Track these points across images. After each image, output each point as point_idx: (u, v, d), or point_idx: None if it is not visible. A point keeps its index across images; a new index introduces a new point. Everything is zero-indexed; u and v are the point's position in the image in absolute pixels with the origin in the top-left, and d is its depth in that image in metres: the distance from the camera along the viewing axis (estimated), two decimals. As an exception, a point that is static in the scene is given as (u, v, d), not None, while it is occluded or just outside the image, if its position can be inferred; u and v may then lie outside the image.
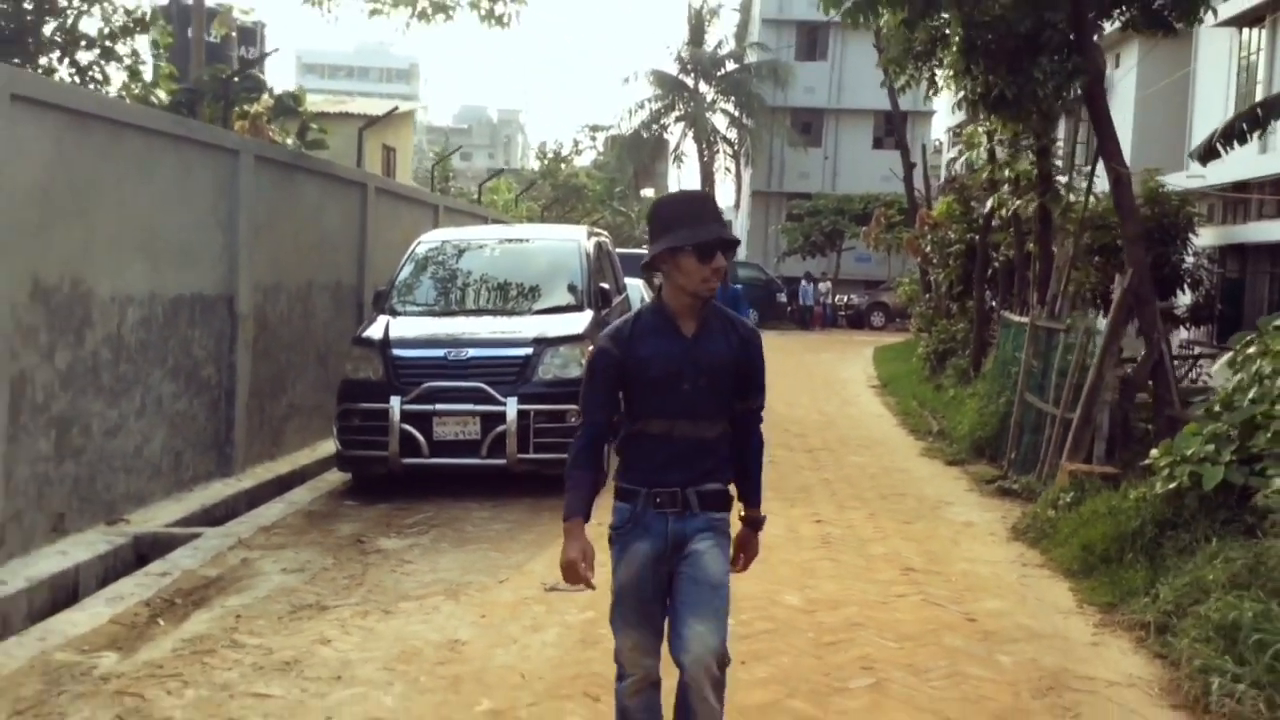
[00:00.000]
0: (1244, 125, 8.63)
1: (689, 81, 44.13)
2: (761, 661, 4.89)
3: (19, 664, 4.64)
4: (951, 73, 8.86)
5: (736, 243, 3.27)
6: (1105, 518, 6.86)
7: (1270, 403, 6.46)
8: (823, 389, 17.35)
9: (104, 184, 6.93)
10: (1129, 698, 4.68)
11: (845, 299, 38.83)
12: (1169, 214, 14.60)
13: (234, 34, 16.18)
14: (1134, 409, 9.01)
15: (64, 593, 6.07)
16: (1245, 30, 19.13)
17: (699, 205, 3.26)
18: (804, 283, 37.26)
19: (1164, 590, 5.65)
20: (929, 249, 16.92)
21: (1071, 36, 8.28)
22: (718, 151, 44.90)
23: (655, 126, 44.54)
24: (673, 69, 44.10)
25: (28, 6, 9.86)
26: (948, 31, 8.54)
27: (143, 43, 10.70)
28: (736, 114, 43.95)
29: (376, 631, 5.16)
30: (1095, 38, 8.97)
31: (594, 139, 51.23)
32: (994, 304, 14.74)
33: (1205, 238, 17.64)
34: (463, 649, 4.95)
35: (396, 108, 13.44)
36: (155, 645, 4.96)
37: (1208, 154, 9.24)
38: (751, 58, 43.63)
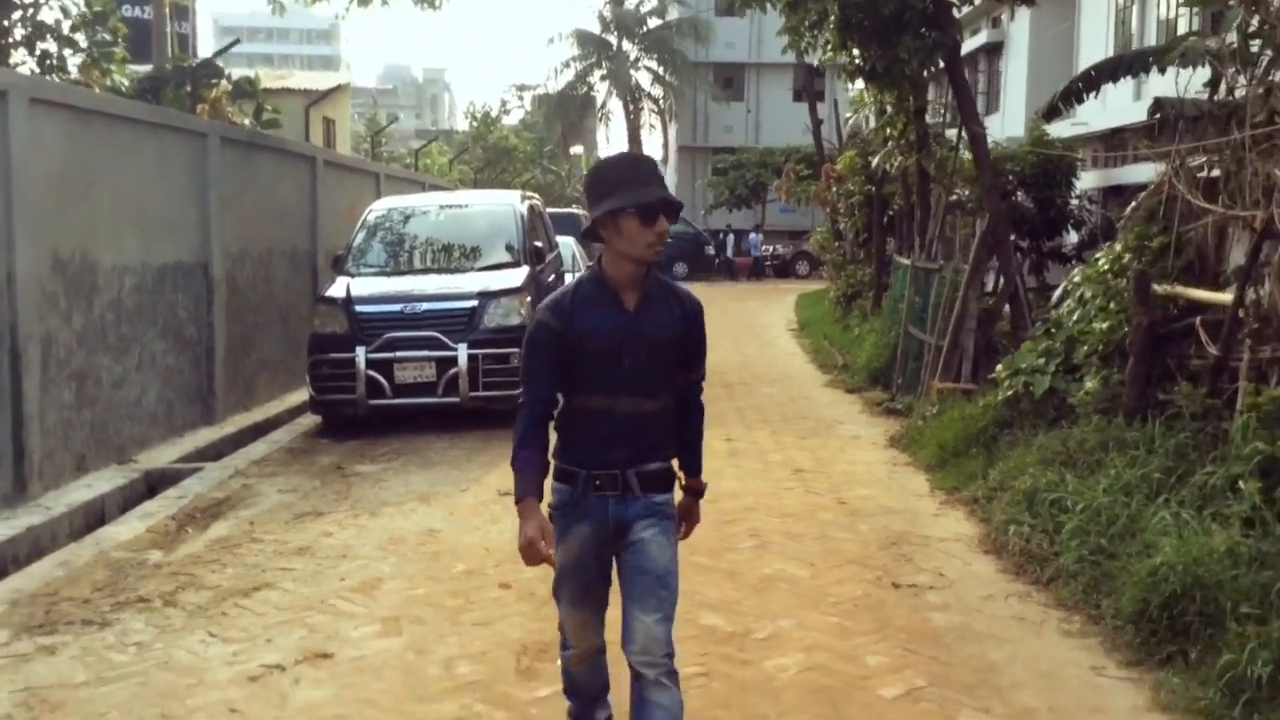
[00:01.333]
0: (1080, 86, 10.05)
1: (612, 40, 45.02)
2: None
3: (86, 559, 5.87)
4: (831, 46, 10.20)
5: (680, 205, 3.16)
6: (958, 422, 8.33)
7: (1088, 321, 7.96)
8: (744, 333, 18.76)
9: (102, 169, 8.01)
10: (952, 548, 6.13)
11: (771, 249, 40.31)
12: (1053, 160, 16.13)
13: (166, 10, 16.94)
14: (996, 335, 10.51)
15: (95, 518, 7.24)
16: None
17: (640, 167, 3.16)
18: (752, 235, 38.61)
19: (993, 474, 7.10)
20: (837, 200, 18.34)
21: (931, 13, 9.62)
22: (642, 108, 45.91)
23: (581, 86, 45.45)
24: (595, 28, 44.97)
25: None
26: (828, 9, 9.82)
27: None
28: (660, 71, 45.00)
29: (367, 527, 6.45)
30: (956, 14, 10.32)
31: (521, 99, 51.98)
32: (893, 250, 16.21)
33: (1087, 180, 19.25)
34: (438, 535, 6.27)
35: (339, 86, 14.43)
36: (190, 544, 6.20)
37: (1050, 112, 10.70)
38: (673, 15, 44.60)
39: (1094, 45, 21.88)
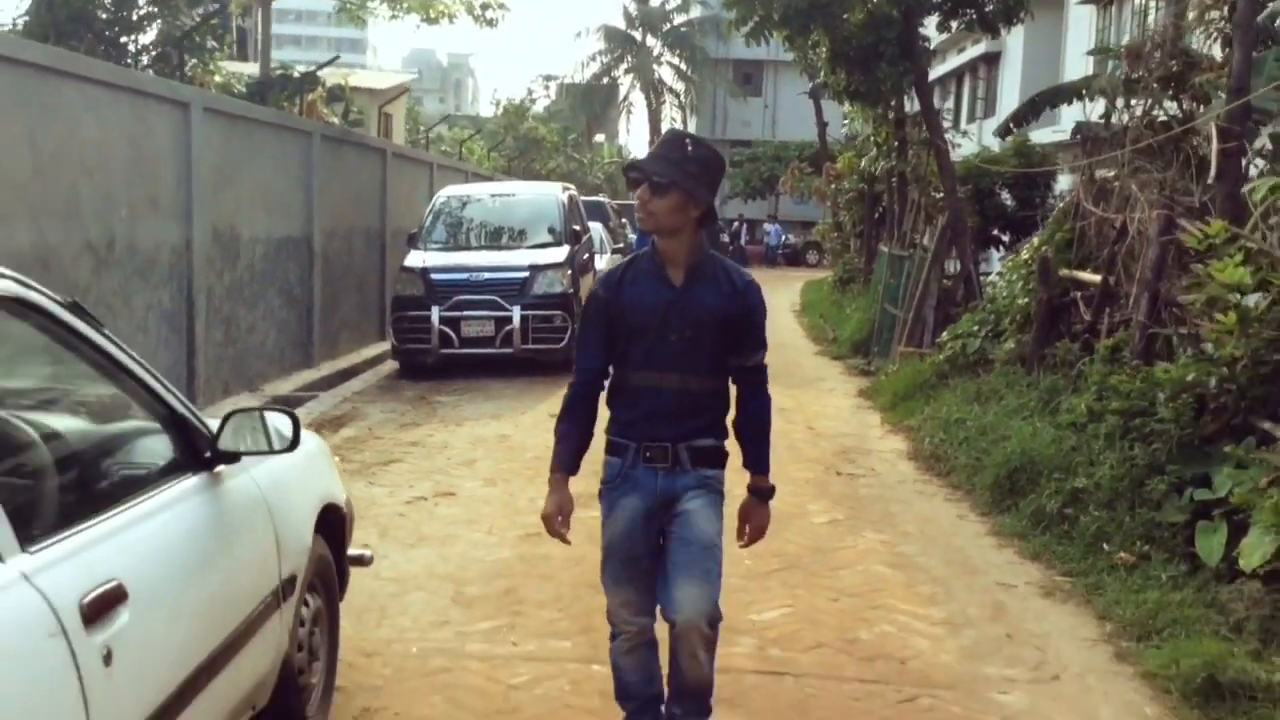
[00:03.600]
0: (1030, 107, 12.20)
1: (637, 36, 47.18)
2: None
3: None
4: (823, 71, 12.38)
5: (646, 178, 3.08)
6: (910, 375, 10.53)
7: (1012, 299, 10.15)
8: (751, 312, 20.95)
9: (243, 161, 10.27)
10: (886, 456, 8.34)
11: (784, 238, 42.43)
12: (1034, 164, 18.25)
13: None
14: (954, 310, 12.69)
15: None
16: (1101, 9, 22.75)
17: (661, 141, 3.21)
18: (768, 225, 40.80)
19: (927, 410, 9.30)
20: (836, 196, 20.51)
21: (904, 45, 11.79)
22: (664, 102, 48.05)
23: (606, 78, 47.66)
24: (621, 24, 47.13)
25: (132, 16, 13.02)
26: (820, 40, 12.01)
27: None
28: (682, 66, 47.15)
29: (456, 432, 8.72)
30: (929, 46, 12.48)
31: (547, 88, 54.23)
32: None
33: (1064, 183, 21.36)
34: (510, 437, 8.54)
35: (400, 86, 16.56)
36: (328, 440, 8.46)
37: (1005, 131, 12.86)
38: (696, 13, 46.70)
39: (1077, 59, 23.93)
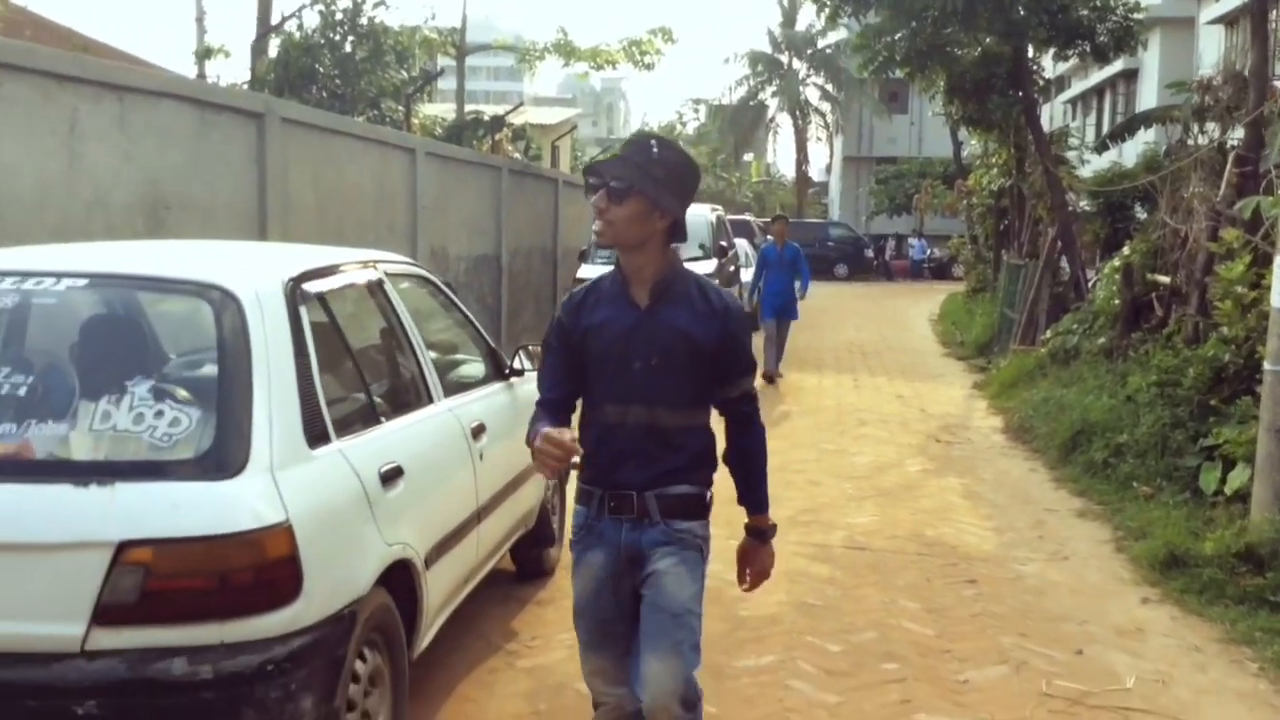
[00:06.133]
0: (1126, 126, 13.54)
1: (783, 59, 48.92)
2: (808, 415, 10.30)
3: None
4: (941, 103, 14.00)
5: (604, 183, 2.74)
6: (1016, 369, 12.06)
7: (1107, 299, 11.58)
8: (888, 322, 22.44)
9: (451, 194, 12.58)
10: (983, 429, 9.94)
11: (929, 252, 43.37)
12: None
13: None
14: (1064, 312, 14.06)
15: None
16: (1227, 27, 23.43)
17: (625, 143, 2.91)
18: (913, 240, 41.85)
19: (1025, 395, 10.85)
20: (970, 211, 21.86)
21: (1013, 77, 13.32)
22: (810, 122, 49.61)
23: (753, 100, 49.52)
24: (767, 47, 48.95)
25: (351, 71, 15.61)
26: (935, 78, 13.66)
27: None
28: (827, 87, 48.64)
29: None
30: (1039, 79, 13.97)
31: (696, 111, 56.50)
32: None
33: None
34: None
35: (574, 125, 18.82)
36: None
37: (1103, 147, 14.20)
38: (840, 34, 48.13)
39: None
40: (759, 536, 3.00)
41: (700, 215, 15.78)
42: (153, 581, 2.55)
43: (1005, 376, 12.06)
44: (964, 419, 10.61)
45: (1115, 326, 10.87)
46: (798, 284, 12.64)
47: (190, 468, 2.66)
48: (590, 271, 14.12)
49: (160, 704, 2.55)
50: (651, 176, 2.72)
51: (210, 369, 2.87)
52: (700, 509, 2.86)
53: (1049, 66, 15.48)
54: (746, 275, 17.28)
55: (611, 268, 2.92)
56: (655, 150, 2.77)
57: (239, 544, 2.61)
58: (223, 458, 2.68)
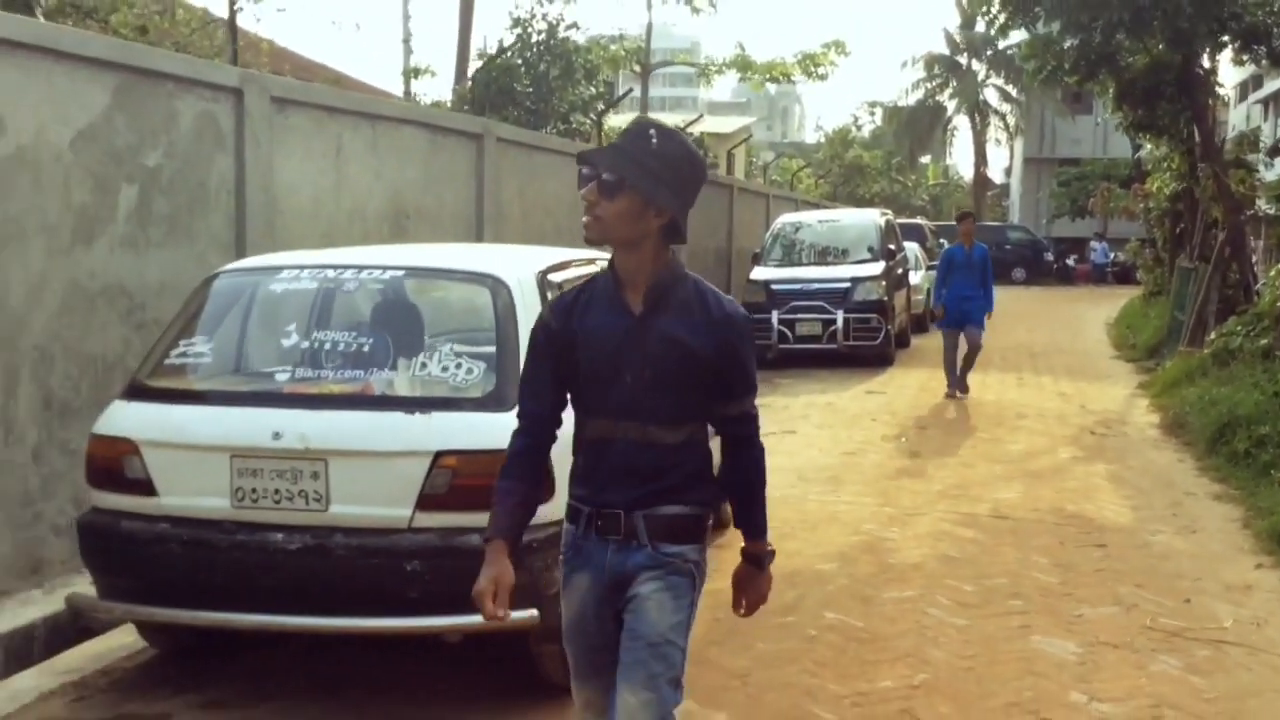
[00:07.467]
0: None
1: (962, 61, 48.50)
2: (966, 408, 10.95)
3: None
4: (1111, 108, 14.31)
5: (595, 176, 2.51)
6: (1179, 369, 12.34)
7: (1272, 301, 11.77)
8: (1061, 326, 22.48)
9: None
10: (1140, 424, 10.40)
11: (1112, 255, 42.28)
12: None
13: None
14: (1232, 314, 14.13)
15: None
16: None
17: (622, 131, 2.64)
18: (1095, 243, 41.04)
19: (1184, 393, 11.18)
20: (1148, 214, 21.70)
21: (1182, 83, 13.54)
22: (989, 124, 48.98)
23: (930, 102, 49.25)
24: (945, 49, 48.60)
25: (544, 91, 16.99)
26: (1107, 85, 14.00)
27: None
28: (1007, 88, 47.95)
29: (793, 401, 11.63)
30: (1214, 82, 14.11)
31: (872, 114, 56.51)
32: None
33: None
34: (834, 404, 11.36)
35: (749, 134, 19.72)
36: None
37: (1275, 151, 14.19)
38: (1021, 34, 47.31)
39: None
40: (755, 563, 2.82)
41: (868, 219, 16.50)
42: (458, 480, 3.68)
43: (1169, 377, 12.35)
44: (1122, 415, 11.05)
45: (1277, 328, 11.10)
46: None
47: (480, 403, 3.79)
48: (764, 274, 15.05)
49: (461, 565, 3.65)
50: (648, 170, 2.49)
51: (490, 334, 4.00)
52: (694, 532, 2.67)
53: (1231, 72, 15.50)
54: (915, 278, 17.89)
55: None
56: (655, 140, 2.53)
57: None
58: (501, 396, 3.78)
